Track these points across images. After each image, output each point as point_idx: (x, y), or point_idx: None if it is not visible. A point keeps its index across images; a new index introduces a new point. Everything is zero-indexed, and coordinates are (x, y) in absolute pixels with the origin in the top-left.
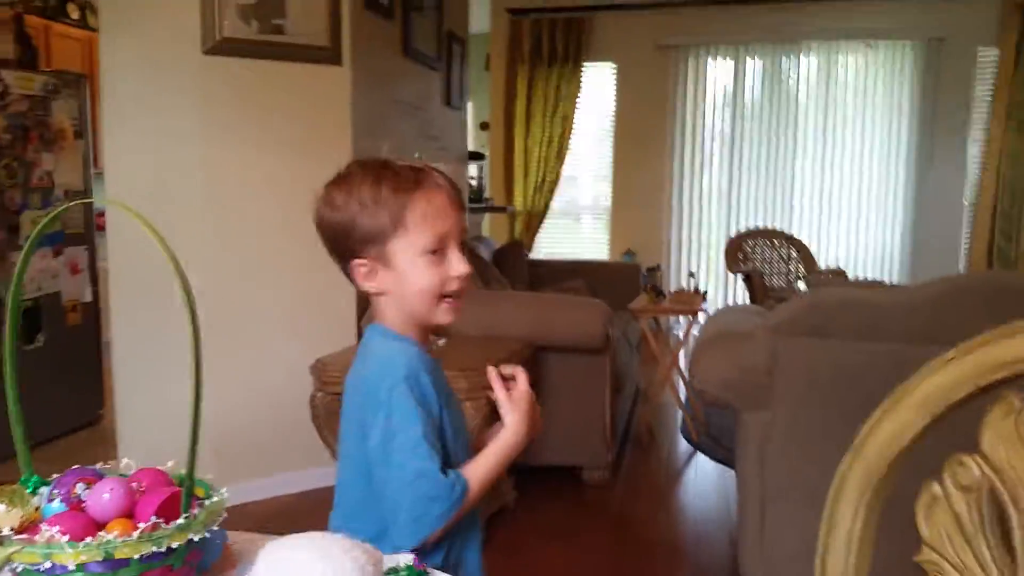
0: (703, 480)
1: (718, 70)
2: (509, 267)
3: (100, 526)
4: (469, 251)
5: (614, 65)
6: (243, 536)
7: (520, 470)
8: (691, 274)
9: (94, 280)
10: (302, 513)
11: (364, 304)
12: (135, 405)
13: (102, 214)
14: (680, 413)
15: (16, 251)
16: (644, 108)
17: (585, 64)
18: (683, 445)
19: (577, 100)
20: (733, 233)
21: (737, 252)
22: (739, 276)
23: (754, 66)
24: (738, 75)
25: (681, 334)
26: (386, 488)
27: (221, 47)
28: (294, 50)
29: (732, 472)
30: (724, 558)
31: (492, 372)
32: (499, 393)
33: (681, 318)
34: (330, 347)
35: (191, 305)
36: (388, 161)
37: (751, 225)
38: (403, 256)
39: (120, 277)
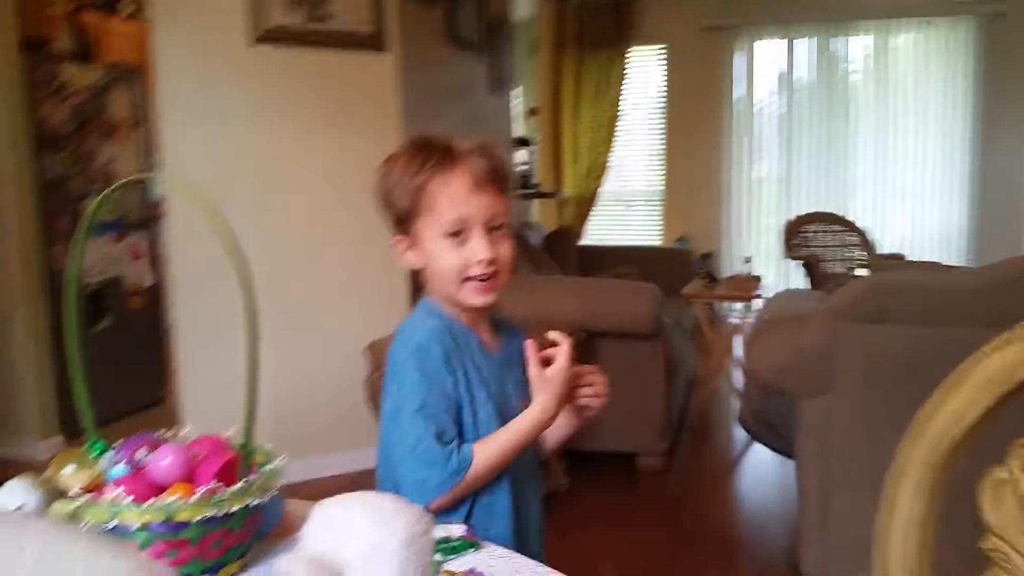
0: (760, 469)
1: (768, 51)
2: (559, 253)
3: (161, 489)
4: (516, 236)
5: (662, 48)
6: (303, 504)
7: (573, 455)
8: (747, 259)
9: (155, 265)
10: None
11: (417, 285)
12: (197, 386)
13: (161, 202)
14: (736, 401)
15: None
16: (694, 91)
17: (632, 48)
18: (739, 433)
19: (624, 84)
20: (789, 217)
21: (794, 237)
22: (797, 262)
23: (805, 47)
24: (789, 56)
25: (736, 320)
26: (393, 453)
27: (269, 36)
28: (340, 37)
29: (791, 461)
30: (782, 550)
31: (531, 346)
32: (532, 370)
33: (737, 304)
34: (385, 328)
35: (246, 279)
36: (431, 139)
37: (808, 209)
38: (428, 235)
39: (180, 262)
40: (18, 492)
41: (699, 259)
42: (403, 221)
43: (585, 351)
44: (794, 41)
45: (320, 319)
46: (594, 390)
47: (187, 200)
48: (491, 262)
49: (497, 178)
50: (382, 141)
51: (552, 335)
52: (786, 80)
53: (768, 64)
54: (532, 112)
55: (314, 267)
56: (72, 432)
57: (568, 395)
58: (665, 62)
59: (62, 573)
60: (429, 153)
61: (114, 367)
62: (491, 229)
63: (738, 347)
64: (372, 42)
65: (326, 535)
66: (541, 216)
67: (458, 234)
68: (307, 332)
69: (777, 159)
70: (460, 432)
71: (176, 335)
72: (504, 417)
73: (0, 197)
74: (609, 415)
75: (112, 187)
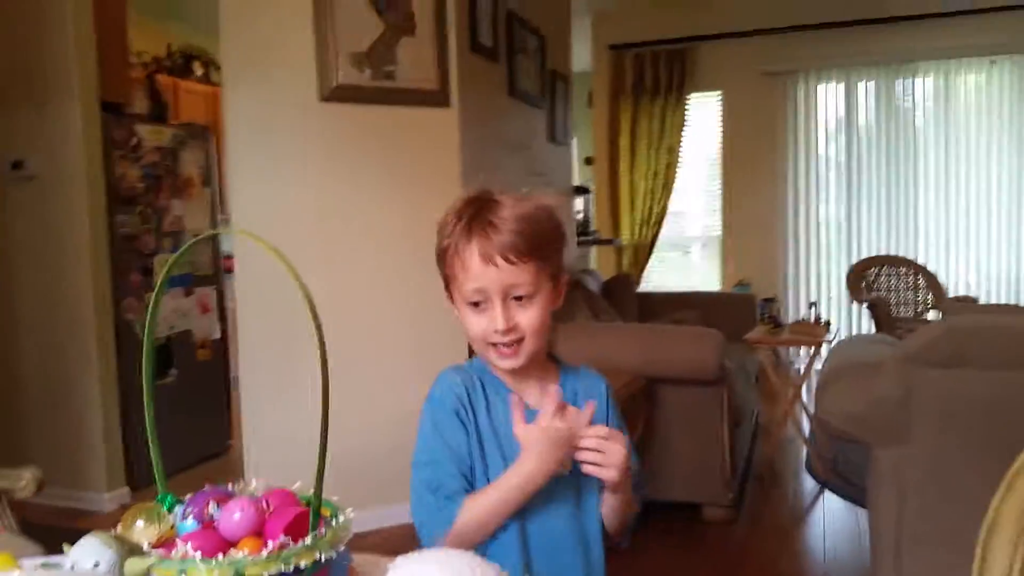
0: (831, 520)
1: (828, 95)
2: (618, 299)
3: (231, 544)
4: (575, 284)
5: (719, 94)
6: (367, 558)
7: None
8: (812, 304)
9: (222, 318)
10: None
11: None
12: (262, 436)
13: (229, 257)
14: (804, 449)
15: (151, 291)
16: (752, 136)
17: (690, 95)
18: (808, 482)
19: (682, 131)
20: (853, 261)
21: (860, 281)
22: (863, 306)
23: (867, 89)
24: (850, 99)
25: (803, 367)
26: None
27: (336, 94)
28: (405, 94)
29: (863, 511)
30: None
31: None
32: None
33: (802, 349)
34: None
35: (316, 321)
36: (472, 199)
37: (871, 253)
38: (457, 299)
39: (247, 315)
40: (93, 549)
41: (762, 304)
42: (445, 281)
43: (646, 398)
44: (856, 84)
45: (385, 371)
46: (595, 457)
47: (270, 254)
48: (510, 330)
49: (517, 251)
50: (445, 195)
51: (551, 389)
52: (847, 123)
53: (828, 108)
54: (588, 161)
55: (377, 320)
56: (137, 484)
57: (569, 455)
58: (722, 107)
59: None
60: (459, 217)
61: (181, 418)
62: (514, 297)
63: (805, 393)
64: (437, 98)
65: None
66: (599, 263)
67: (478, 304)
68: (372, 383)
69: (839, 202)
70: (472, 483)
71: (241, 386)
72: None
73: (77, 253)
74: (672, 464)
75: (192, 240)
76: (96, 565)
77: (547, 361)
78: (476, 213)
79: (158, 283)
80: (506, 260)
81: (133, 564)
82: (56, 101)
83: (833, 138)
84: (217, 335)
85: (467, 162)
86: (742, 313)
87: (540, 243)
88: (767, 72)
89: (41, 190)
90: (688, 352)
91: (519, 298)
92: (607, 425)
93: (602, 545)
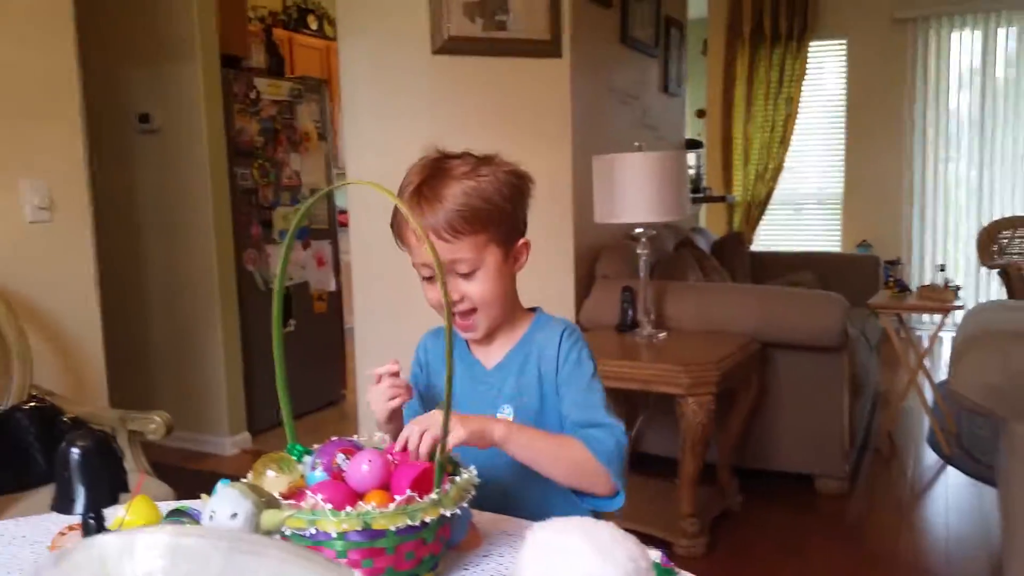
0: (955, 496)
1: (963, 43)
2: (729, 259)
3: (358, 496)
4: (684, 242)
5: (844, 42)
6: (486, 515)
7: (747, 473)
8: (941, 267)
9: (337, 271)
10: None
11: (583, 294)
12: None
13: (343, 211)
14: (927, 421)
15: (271, 244)
16: (878, 88)
17: (811, 43)
18: (929, 457)
19: (803, 81)
20: (984, 223)
21: (990, 244)
22: (992, 271)
23: (1006, 36)
24: (987, 48)
25: (927, 334)
26: None
27: (448, 46)
28: (516, 45)
29: (989, 489)
30: None
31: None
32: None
33: (926, 316)
34: None
35: (442, 277)
36: (414, 169)
37: (1005, 214)
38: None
39: (361, 268)
40: (231, 500)
41: (887, 266)
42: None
43: (760, 363)
44: (994, 31)
45: None
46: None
47: (401, 208)
48: (459, 302)
49: (452, 229)
50: (556, 146)
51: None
52: (983, 74)
53: (963, 57)
54: (700, 113)
55: None
56: (257, 428)
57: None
58: (846, 56)
59: None
60: (404, 190)
61: (297, 368)
62: (457, 272)
63: (929, 362)
64: (548, 48)
65: (542, 564)
66: (708, 221)
67: (429, 277)
68: None
69: (971, 160)
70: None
71: (356, 337)
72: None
73: (200, 205)
74: (787, 433)
75: (326, 189)
76: (234, 516)
77: (520, 317)
78: (418, 187)
79: (289, 234)
80: (440, 238)
81: (270, 516)
82: (179, 56)
83: (966, 90)
84: (333, 287)
85: (577, 114)
86: (862, 275)
87: (480, 218)
88: (897, 18)
89: (165, 143)
90: (809, 317)
91: (464, 274)
92: (556, 378)
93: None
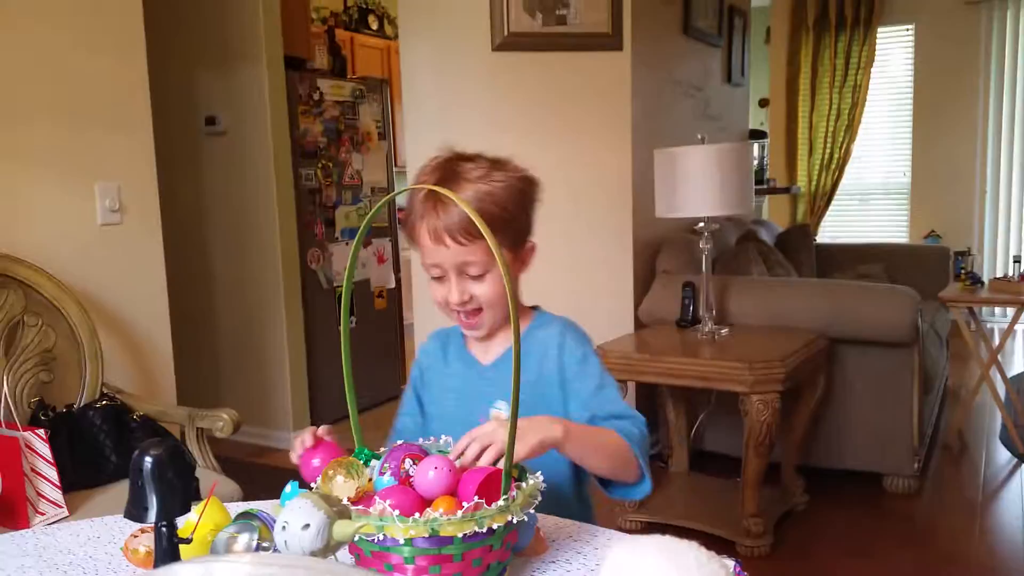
0: None
1: None
2: (794, 252)
3: (426, 502)
4: (746, 236)
5: (911, 27)
6: (551, 520)
7: (812, 472)
8: (1016, 259)
9: (396, 269)
10: None
11: (642, 289)
12: None
13: (402, 209)
14: (999, 418)
15: (333, 242)
16: (948, 74)
17: (878, 29)
18: (1002, 454)
19: (870, 69)
20: None
21: None
22: None
23: None
24: None
25: (998, 327)
26: None
27: (508, 42)
28: (577, 39)
29: None
30: None
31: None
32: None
33: (998, 309)
34: (618, 327)
35: (507, 277)
36: (427, 169)
37: None
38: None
39: (419, 265)
40: (304, 511)
41: (958, 258)
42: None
43: (827, 360)
44: None
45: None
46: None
47: (465, 210)
48: (466, 302)
49: (467, 232)
50: (617, 140)
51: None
52: None
53: None
54: (763, 103)
55: (549, 267)
56: (320, 423)
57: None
58: (914, 41)
59: None
60: (417, 191)
61: (358, 364)
62: (468, 274)
63: (1001, 357)
64: (608, 41)
65: None
66: (772, 213)
67: (439, 277)
68: None
69: None
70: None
71: (416, 334)
72: (459, 425)
73: (266, 205)
74: (853, 431)
75: (393, 193)
76: (306, 527)
77: (520, 316)
78: (434, 185)
79: (359, 232)
80: (455, 241)
81: (342, 527)
82: (245, 59)
83: None
84: (392, 284)
85: (638, 107)
86: (932, 267)
87: (494, 222)
88: (969, 1)
89: (232, 145)
90: (879, 311)
91: (474, 276)
92: (560, 376)
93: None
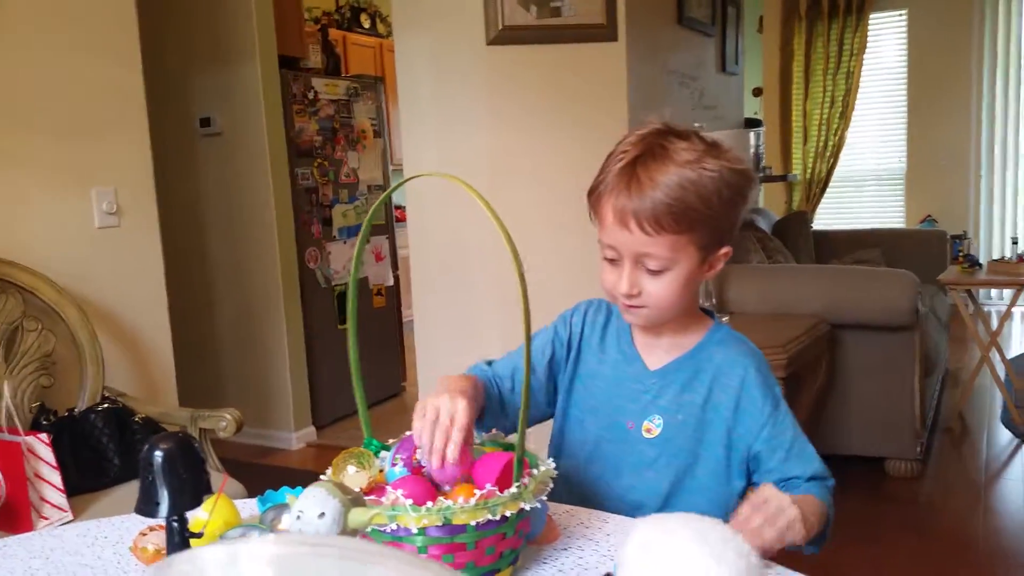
0: None
1: None
2: (791, 239)
3: (438, 491)
4: (747, 224)
5: (904, 12)
6: (562, 507)
7: None
8: (1013, 241)
9: (394, 266)
10: None
11: None
12: (432, 378)
13: (400, 207)
14: (999, 399)
15: (330, 241)
16: (942, 59)
17: (871, 15)
18: (1003, 436)
19: (863, 55)
20: None
21: None
22: None
23: None
24: None
25: (996, 310)
26: None
27: (503, 36)
28: (571, 31)
29: None
30: None
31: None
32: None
33: (995, 293)
34: None
35: (520, 269)
36: (633, 139)
37: None
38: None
39: (419, 262)
40: (319, 500)
41: (956, 241)
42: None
43: (828, 345)
44: None
45: (552, 315)
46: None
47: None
48: (633, 295)
49: (656, 222)
50: (613, 130)
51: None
52: None
53: None
54: (756, 92)
55: (547, 263)
56: (321, 423)
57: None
58: (907, 27)
59: None
60: (617, 159)
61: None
62: (645, 266)
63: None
64: (603, 32)
65: (645, 561)
66: (768, 201)
67: (613, 260)
68: (536, 328)
69: None
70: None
71: (415, 330)
72: (602, 419)
73: (262, 205)
74: (855, 416)
75: (394, 185)
76: (321, 515)
77: (694, 321)
78: (632, 162)
79: (362, 230)
80: (640, 228)
81: (356, 514)
82: (239, 59)
83: None
84: (391, 282)
85: (634, 98)
86: (930, 251)
87: (690, 216)
88: None
89: (227, 145)
90: (879, 296)
91: (651, 269)
92: (734, 413)
93: None
